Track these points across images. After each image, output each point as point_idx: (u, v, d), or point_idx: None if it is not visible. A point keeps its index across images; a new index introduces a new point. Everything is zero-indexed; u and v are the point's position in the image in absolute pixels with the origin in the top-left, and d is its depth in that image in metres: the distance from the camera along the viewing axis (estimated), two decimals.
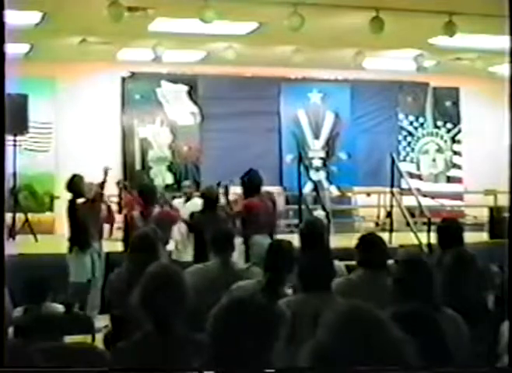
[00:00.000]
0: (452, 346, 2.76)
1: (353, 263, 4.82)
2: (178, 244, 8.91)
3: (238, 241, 6.92)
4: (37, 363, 2.98)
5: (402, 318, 2.70)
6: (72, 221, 8.21)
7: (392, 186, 10.88)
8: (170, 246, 8.86)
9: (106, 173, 8.45)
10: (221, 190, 8.38)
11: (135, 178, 13.51)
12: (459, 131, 15.69)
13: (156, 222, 8.20)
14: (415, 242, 9.53)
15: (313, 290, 3.98)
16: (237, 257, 6.52)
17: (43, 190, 13.27)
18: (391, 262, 4.39)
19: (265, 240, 7.83)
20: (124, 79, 13.95)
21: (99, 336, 4.98)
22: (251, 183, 8.15)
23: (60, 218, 12.77)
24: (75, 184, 8.31)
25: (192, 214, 8.41)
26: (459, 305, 3.70)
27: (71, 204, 8.27)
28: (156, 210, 8.50)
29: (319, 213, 10.51)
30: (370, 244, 4.75)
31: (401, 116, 15.45)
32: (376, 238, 4.90)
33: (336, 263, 4.41)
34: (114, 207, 9.00)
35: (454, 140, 15.70)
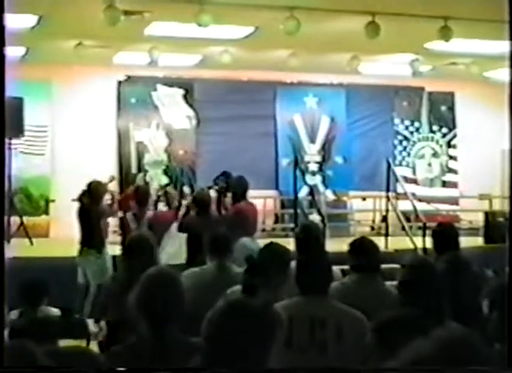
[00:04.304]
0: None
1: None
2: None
3: None
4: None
5: (398, 324, 2.70)
6: (88, 223, 8.26)
7: (388, 190, 10.88)
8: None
9: (111, 181, 8.65)
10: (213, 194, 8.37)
11: (130, 181, 13.50)
12: (454, 136, 15.72)
13: (150, 224, 8.19)
14: (411, 246, 9.54)
15: (310, 294, 3.97)
16: None
17: (38, 194, 13.24)
18: (397, 266, 4.35)
19: (253, 243, 7.89)
20: (120, 83, 13.94)
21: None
22: (241, 187, 8.20)
23: (55, 222, 12.79)
24: (95, 191, 8.35)
25: (184, 217, 8.32)
26: (454, 310, 3.70)
27: (89, 208, 8.33)
28: (150, 212, 8.49)
29: (315, 217, 10.55)
30: (361, 248, 4.74)
31: (396, 120, 15.47)
32: (367, 241, 4.87)
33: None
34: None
35: (449, 144, 15.72)
